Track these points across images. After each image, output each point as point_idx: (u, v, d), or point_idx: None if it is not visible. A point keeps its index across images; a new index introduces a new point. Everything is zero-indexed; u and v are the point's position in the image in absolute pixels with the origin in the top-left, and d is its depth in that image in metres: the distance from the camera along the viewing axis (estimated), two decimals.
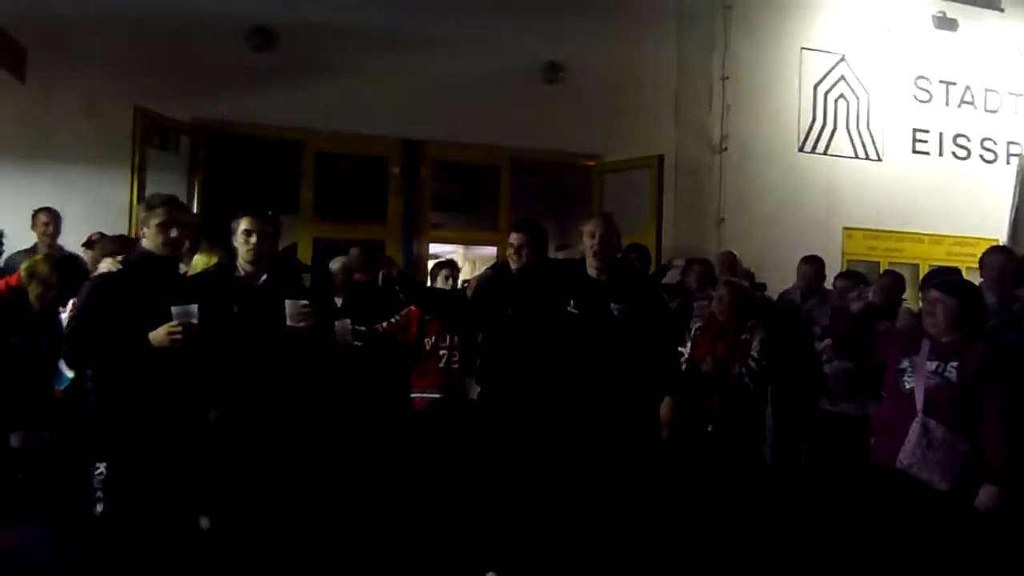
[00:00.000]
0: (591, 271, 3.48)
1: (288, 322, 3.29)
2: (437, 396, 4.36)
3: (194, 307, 2.91)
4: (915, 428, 3.08)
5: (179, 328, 2.85)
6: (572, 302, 3.40)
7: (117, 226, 4.95)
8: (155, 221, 3.02)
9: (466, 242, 8.71)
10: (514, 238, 3.84)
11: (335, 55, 6.17)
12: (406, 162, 6.56)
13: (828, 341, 4.41)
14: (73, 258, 4.80)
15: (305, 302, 3.34)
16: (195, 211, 6.01)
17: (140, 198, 5.41)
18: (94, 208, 5.37)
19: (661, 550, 4.04)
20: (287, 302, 3.29)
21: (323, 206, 6.58)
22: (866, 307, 4.07)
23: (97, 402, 2.98)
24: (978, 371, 3.00)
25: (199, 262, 4.10)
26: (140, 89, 5.61)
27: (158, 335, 2.85)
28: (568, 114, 6.59)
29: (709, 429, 4.48)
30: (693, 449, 4.51)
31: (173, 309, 2.88)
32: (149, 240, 3.04)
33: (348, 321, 4.06)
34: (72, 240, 5.03)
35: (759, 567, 4.11)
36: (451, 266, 5.16)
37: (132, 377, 2.91)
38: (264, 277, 3.46)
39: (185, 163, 6.04)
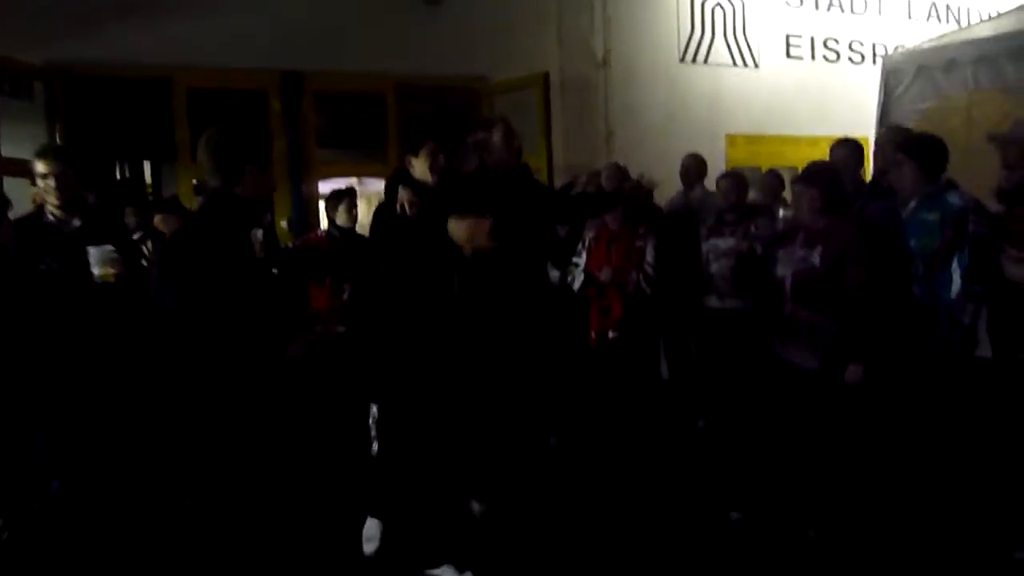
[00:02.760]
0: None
1: (93, 271, 3.13)
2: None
3: None
4: (783, 313, 3.29)
5: None
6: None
7: None
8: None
9: (357, 174, 8.50)
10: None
11: None
12: (286, 96, 6.30)
13: (713, 242, 4.60)
14: None
15: (111, 247, 3.19)
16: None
17: None
18: None
19: (570, 457, 4.20)
20: (90, 249, 3.14)
21: None
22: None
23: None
24: (839, 251, 3.19)
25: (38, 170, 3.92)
26: None
27: None
28: (451, 36, 6.45)
29: (610, 336, 4.64)
30: (597, 356, 4.67)
31: None
32: None
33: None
34: None
35: (663, 465, 4.34)
36: (350, 195, 4.95)
37: None
38: (77, 223, 3.30)
39: (41, 110, 5.61)
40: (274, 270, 4.65)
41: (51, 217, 3.32)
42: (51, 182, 3.27)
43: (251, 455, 2.54)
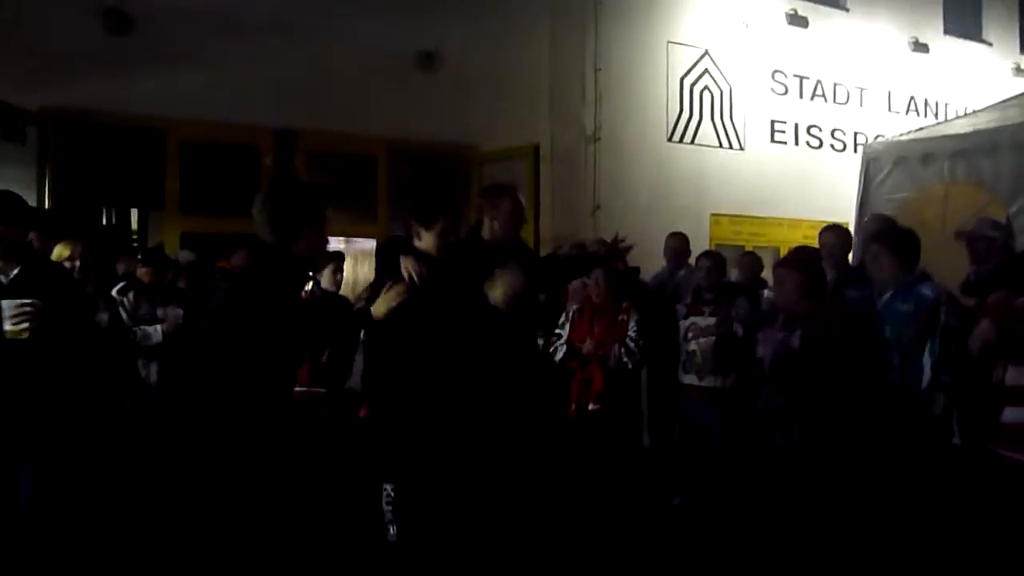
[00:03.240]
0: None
1: (4, 326, 2.96)
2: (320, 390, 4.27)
3: None
4: (762, 394, 3.30)
5: None
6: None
7: None
8: None
9: (345, 235, 8.53)
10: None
11: (198, 40, 5.91)
12: (279, 152, 6.38)
13: (692, 320, 4.63)
14: None
15: (26, 301, 3.00)
16: (46, 206, 5.64)
17: None
18: None
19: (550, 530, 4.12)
20: (2, 303, 2.97)
21: (190, 200, 6.29)
22: None
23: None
24: (820, 335, 3.23)
25: (58, 252, 3.97)
26: None
27: None
28: (444, 103, 6.58)
29: (590, 408, 4.61)
30: (577, 429, 4.63)
31: None
32: None
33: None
34: None
35: (638, 541, 4.28)
36: (337, 259, 4.87)
37: None
38: (16, 271, 3.13)
39: (33, 155, 5.63)
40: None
41: None
42: None
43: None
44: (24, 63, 5.42)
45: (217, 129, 6.19)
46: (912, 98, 9.09)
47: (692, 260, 5.42)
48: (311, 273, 3.39)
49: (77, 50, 5.59)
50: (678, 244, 5.57)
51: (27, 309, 2.99)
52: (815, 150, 8.49)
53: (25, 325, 2.99)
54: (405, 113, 6.48)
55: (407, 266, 3.15)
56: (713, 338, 4.50)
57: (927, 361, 3.27)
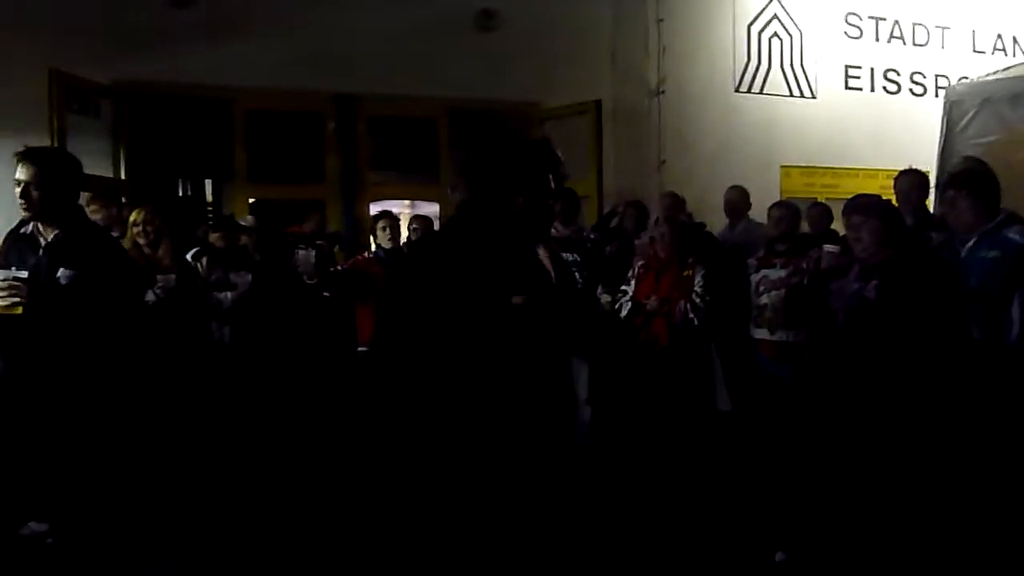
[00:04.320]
0: None
1: None
2: None
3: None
4: (837, 348, 3.18)
5: None
6: None
7: None
8: None
9: (408, 197, 8.60)
10: None
11: (260, 9, 5.98)
12: (341, 118, 6.43)
13: (764, 273, 4.50)
14: None
15: (14, 275, 2.84)
16: (122, 176, 5.84)
17: None
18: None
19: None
20: None
21: (257, 167, 6.42)
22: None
23: None
24: (898, 285, 3.08)
25: (132, 219, 4.15)
26: (56, 52, 5.37)
27: None
28: (504, 62, 6.50)
29: (655, 366, 4.57)
30: (642, 389, 4.60)
31: None
32: None
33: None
34: None
35: (713, 500, 4.22)
36: (388, 217, 5.05)
37: None
38: (55, 234, 3.03)
39: (108, 127, 5.82)
40: (325, 293, 4.75)
41: (30, 228, 3.08)
42: (18, 189, 2.98)
43: None
44: (96, 39, 5.58)
45: (280, 97, 6.27)
46: (999, 36, 8.51)
47: (760, 214, 5.29)
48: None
49: (144, 24, 5.72)
50: (735, 197, 5.52)
51: (15, 283, 2.84)
52: (892, 95, 8.07)
53: (16, 300, 2.84)
54: (465, 74, 6.43)
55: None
56: (784, 291, 4.38)
57: (1016, 312, 3.09)
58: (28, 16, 5.41)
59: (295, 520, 3.77)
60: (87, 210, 4.51)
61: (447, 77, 6.39)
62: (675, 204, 5.48)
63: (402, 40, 6.23)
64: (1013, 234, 3.16)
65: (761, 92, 7.50)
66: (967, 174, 3.42)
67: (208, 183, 9.60)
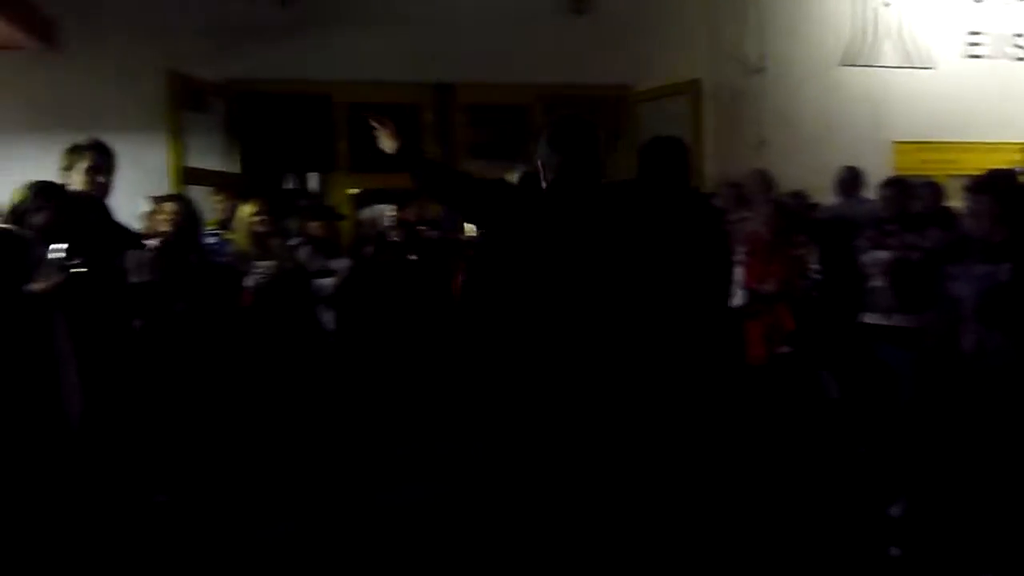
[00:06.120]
0: None
1: None
2: None
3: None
4: (969, 337, 2.99)
5: None
6: None
7: (158, 191, 5.04)
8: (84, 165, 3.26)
9: None
10: None
11: (356, 5, 6.14)
12: (437, 107, 6.52)
13: (876, 253, 4.27)
14: None
15: (64, 247, 2.85)
16: (237, 171, 6.11)
17: (181, 163, 5.55)
18: (134, 174, 5.47)
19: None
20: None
21: (358, 158, 6.59)
22: None
23: None
24: None
25: (243, 212, 4.31)
26: (171, 52, 5.68)
27: None
28: (597, 45, 6.44)
29: (782, 352, 4.37)
30: (764, 374, 4.41)
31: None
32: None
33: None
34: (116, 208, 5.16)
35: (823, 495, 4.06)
36: None
37: None
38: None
39: (220, 124, 6.11)
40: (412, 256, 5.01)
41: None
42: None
43: None
44: (208, 40, 5.87)
45: (379, 89, 6.40)
46: None
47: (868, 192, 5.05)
48: None
49: (251, 24, 5.97)
50: (845, 175, 5.37)
51: (65, 263, 2.84)
52: (1019, 62, 7.50)
53: (51, 281, 2.81)
54: (557, 59, 6.40)
55: None
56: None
57: None
58: (146, 19, 5.76)
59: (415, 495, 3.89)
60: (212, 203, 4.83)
61: (540, 63, 6.38)
62: (765, 181, 5.29)
63: (496, 27, 6.27)
64: None
65: (869, 64, 7.12)
66: None
67: (314, 176, 9.92)
